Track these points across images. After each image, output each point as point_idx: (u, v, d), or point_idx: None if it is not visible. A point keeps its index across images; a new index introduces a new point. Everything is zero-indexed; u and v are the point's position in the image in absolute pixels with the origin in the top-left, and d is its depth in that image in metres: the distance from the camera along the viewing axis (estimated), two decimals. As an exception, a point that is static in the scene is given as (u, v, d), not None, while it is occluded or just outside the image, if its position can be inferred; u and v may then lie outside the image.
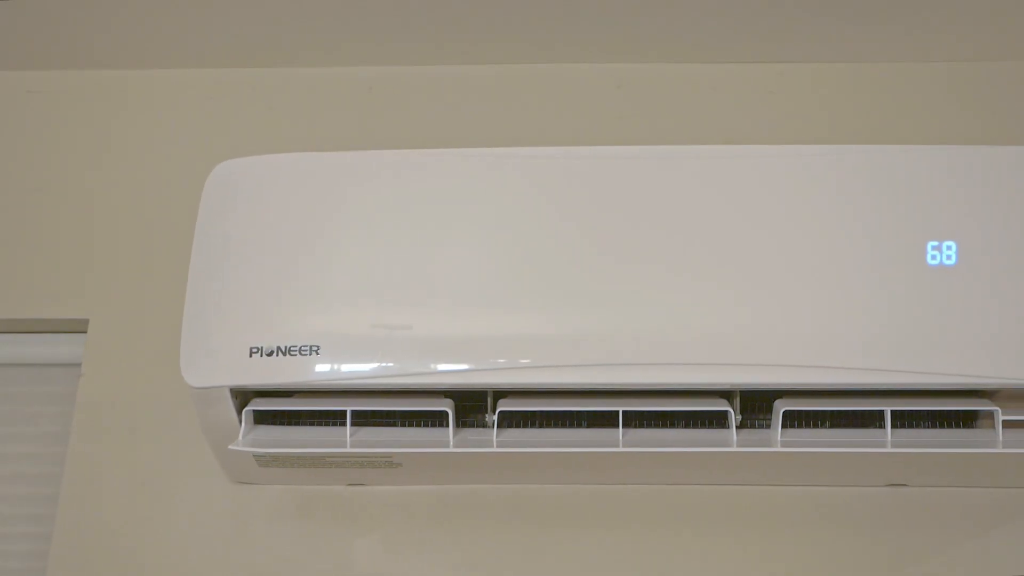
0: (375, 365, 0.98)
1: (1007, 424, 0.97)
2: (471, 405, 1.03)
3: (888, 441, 0.97)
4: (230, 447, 0.99)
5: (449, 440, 0.99)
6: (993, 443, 0.97)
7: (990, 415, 0.98)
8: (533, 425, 1.03)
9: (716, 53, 1.30)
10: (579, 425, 1.03)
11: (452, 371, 0.97)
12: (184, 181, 1.13)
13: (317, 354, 0.98)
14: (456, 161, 1.05)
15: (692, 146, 1.04)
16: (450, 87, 1.31)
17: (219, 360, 0.98)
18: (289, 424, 1.03)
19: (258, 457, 1.04)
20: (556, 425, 1.03)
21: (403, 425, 1.03)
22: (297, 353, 0.98)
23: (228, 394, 0.99)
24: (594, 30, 1.28)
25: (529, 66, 1.31)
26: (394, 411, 1.03)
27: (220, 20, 1.26)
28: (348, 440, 0.99)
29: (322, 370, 0.97)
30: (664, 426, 1.02)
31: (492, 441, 1.00)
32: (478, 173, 1.04)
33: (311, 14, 1.25)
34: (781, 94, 1.29)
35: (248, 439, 1.00)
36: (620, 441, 0.98)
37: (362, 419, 1.03)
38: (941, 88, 1.27)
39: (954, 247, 0.98)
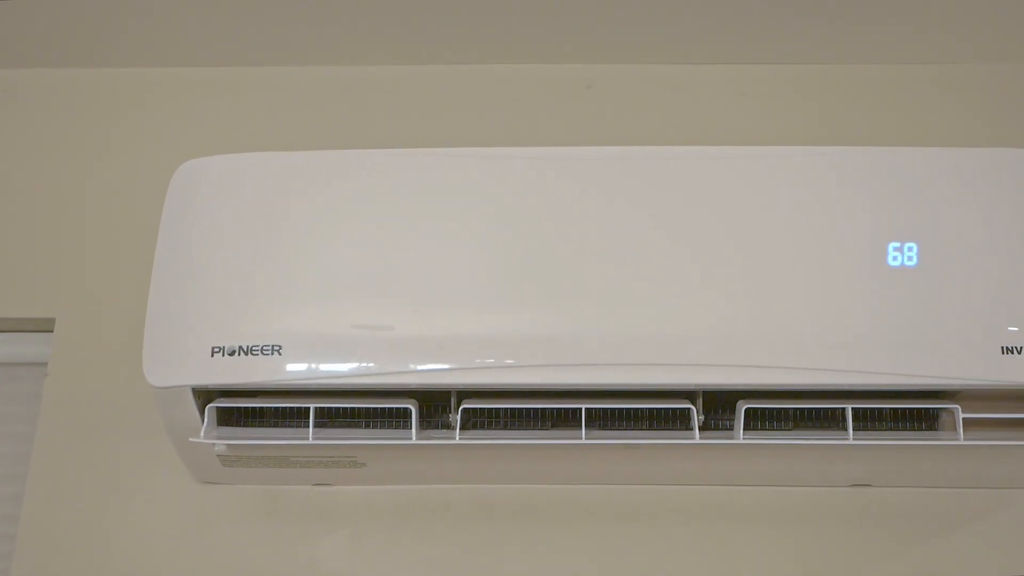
0: (337, 365, 0.97)
1: (967, 423, 0.97)
2: (436, 407, 1.03)
3: (849, 435, 0.97)
4: (190, 439, 0.99)
5: (412, 436, 0.99)
6: (954, 439, 0.97)
7: (951, 416, 0.98)
8: (498, 427, 1.03)
9: (687, 54, 1.30)
10: (544, 427, 1.03)
11: (416, 371, 0.97)
12: (151, 180, 1.13)
13: (279, 354, 0.97)
14: (422, 161, 1.05)
15: (654, 147, 1.04)
16: (423, 87, 1.31)
17: (181, 360, 0.98)
18: (253, 426, 1.04)
19: (222, 456, 1.05)
20: (521, 427, 1.03)
21: (368, 427, 1.04)
22: (259, 353, 0.97)
23: (190, 394, 0.99)
24: (565, 31, 1.28)
25: (499, 66, 1.31)
26: (359, 413, 1.03)
27: (187, 19, 1.26)
28: (310, 434, 0.99)
29: (284, 370, 0.97)
30: (629, 428, 1.02)
31: (455, 435, 0.99)
32: (443, 173, 1.04)
33: (282, 14, 1.25)
34: (752, 95, 1.29)
35: (210, 434, 1.00)
36: (583, 435, 0.98)
37: (327, 421, 1.03)
38: (913, 90, 1.28)
39: (915, 248, 0.99)
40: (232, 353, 0.98)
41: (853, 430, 0.98)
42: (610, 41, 1.29)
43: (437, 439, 1.00)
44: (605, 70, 1.31)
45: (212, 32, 1.28)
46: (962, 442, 0.96)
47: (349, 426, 1.04)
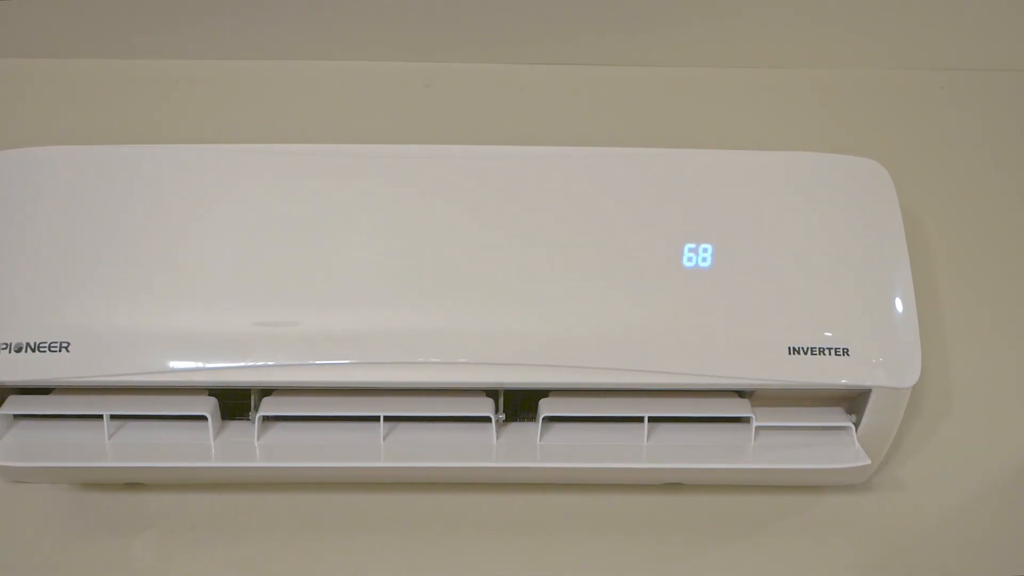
0: (129, 363, 0.96)
1: (760, 429, 1.00)
2: (239, 403, 1.02)
3: (644, 455, 0.98)
4: None
5: (210, 449, 0.98)
6: (744, 454, 0.99)
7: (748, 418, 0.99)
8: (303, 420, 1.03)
9: (524, 54, 1.31)
10: (351, 421, 1.02)
11: (208, 369, 0.96)
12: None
13: (67, 351, 0.96)
14: (230, 157, 1.04)
15: (458, 146, 1.04)
16: (260, 83, 1.30)
17: (-34, 355, 0.96)
18: (56, 420, 1.02)
19: (21, 457, 1.03)
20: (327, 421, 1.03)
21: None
22: (46, 350, 0.96)
23: (-26, 392, 0.97)
24: (403, 29, 1.28)
25: (335, 63, 1.31)
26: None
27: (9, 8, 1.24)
28: (108, 451, 0.98)
29: (73, 367, 0.95)
30: (433, 422, 1.02)
31: (255, 453, 0.99)
32: (237, 168, 1.03)
33: (100, 5, 1.23)
34: (584, 96, 1.30)
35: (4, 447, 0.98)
36: (381, 452, 0.99)
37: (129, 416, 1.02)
38: (729, 93, 1.30)
39: (710, 250, 1.00)
40: (19, 350, 0.96)
41: (657, 430, 1.00)
42: (449, 40, 1.29)
43: (234, 458, 0.98)
44: (443, 69, 1.31)
45: (34, 22, 1.25)
46: (751, 465, 0.99)
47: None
